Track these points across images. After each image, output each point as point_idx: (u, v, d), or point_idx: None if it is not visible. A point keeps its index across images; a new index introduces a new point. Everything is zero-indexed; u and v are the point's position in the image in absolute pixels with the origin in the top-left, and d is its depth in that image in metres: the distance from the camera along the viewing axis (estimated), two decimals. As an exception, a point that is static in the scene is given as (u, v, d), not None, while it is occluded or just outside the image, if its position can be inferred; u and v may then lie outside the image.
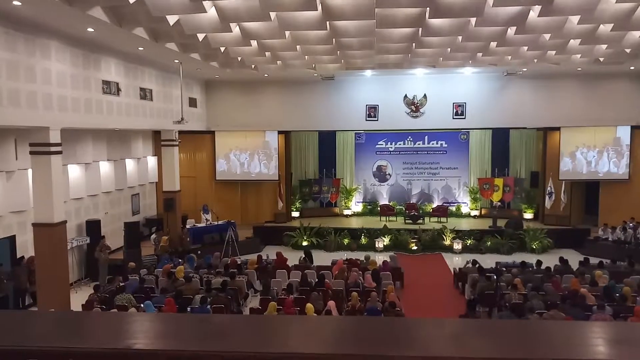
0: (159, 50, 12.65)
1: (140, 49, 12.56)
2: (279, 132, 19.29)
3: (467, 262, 13.44)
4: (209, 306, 9.63)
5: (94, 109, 12.07)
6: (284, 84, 18.88)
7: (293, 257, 14.34)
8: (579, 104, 18.09)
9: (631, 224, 16.68)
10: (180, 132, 16.97)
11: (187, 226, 16.90)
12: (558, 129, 18.45)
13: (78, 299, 11.21)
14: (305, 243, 17.16)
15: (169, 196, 16.65)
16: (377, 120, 18.89)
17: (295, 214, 20.20)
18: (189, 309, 9.78)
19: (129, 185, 17.11)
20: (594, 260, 13.03)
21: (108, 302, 9.90)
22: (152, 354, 1.38)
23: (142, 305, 9.60)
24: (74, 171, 14.10)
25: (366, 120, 18.88)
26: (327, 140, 21.28)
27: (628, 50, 13.20)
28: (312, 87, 18.77)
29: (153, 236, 15.82)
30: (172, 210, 16.55)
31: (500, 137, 20.85)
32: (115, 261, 14.08)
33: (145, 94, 14.65)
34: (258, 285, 12.51)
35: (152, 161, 18.78)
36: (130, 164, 17.21)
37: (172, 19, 9.73)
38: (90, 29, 10.44)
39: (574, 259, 13.72)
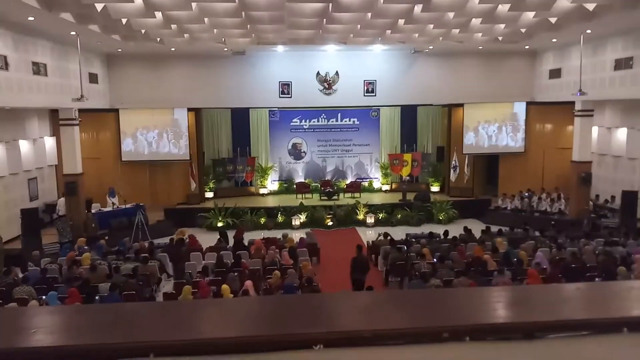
0: (52, 20, 11.56)
1: (30, 18, 11.46)
2: (189, 110, 18.92)
3: (379, 235, 13.79)
4: (118, 294, 9.24)
5: (-23, 85, 11.08)
6: (192, 59, 18.45)
7: (209, 239, 14.11)
8: (480, 81, 19.05)
9: (526, 194, 17.80)
10: (81, 111, 15.83)
11: (93, 211, 16.05)
12: (461, 105, 19.42)
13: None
14: (220, 224, 16.95)
15: (70, 179, 15.59)
16: (290, 97, 18.98)
17: (209, 194, 19.96)
18: (97, 298, 9.33)
19: (25, 169, 15.90)
20: (494, 229, 13.73)
21: (5, 295, 9.17)
22: (54, 351, 1.29)
23: (44, 297, 9.02)
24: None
25: (280, 97, 18.95)
26: (241, 118, 20.93)
27: (523, 30, 14.05)
28: (223, 62, 18.51)
29: (59, 224, 14.91)
30: (74, 194, 15.54)
31: (408, 114, 21.52)
32: (11, 251, 13.07)
33: (38, 69, 13.52)
34: (171, 269, 12.18)
35: (50, 142, 17.53)
36: (25, 146, 15.98)
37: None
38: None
39: (477, 228, 14.35)
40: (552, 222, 15.23)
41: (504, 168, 19.84)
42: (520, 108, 19.35)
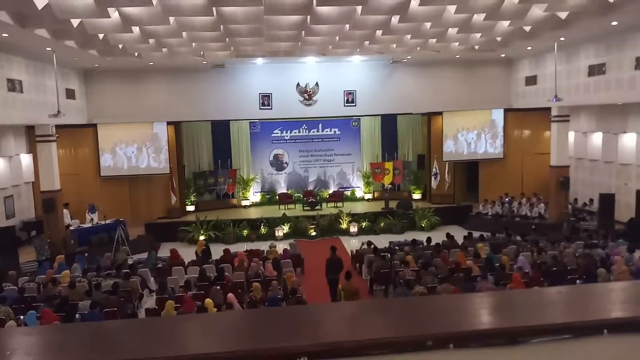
0: (27, 36, 11.32)
1: (4, 35, 11.24)
2: (168, 123, 18.73)
3: (363, 244, 13.81)
4: (99, 311, 9.03)
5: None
6: (171, 73, 18.33)
7: (191, 253, 14.05)
8: (458, 89, 19.24)
9: (506, 199, 17.98)
10: (58, 127, 15.64)
11: (72, 227, 15.82)
12: (440, 113, 19.53)
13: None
14: (202, 237, 16.64)
15: (48, 196, 15.30)
16: (271, 108, 18.95)
17: (191, 208, 19.72)
18: (77, 316, 9.13)
19: (1, 187, 15.49)
20: (476, 234, 13.79)
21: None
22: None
23: (22, 317, 8.75)
24: None
25: (260, 108, 18.89)
26: (221, 130, 20.89)
27: (499, 39, 14.19)
28: (202, 75, 18.39)
29: (36, 241, 14.60)
30: (52, 211, 15.23)
31: (388, 123, 21.60)
32: (-14, 271, 12.96)
33: (14, 86, 13.29)
34: (153, 285, 12.05)
35: (26, 159, 17.11)
36: (0, 163, 15.62)
37: (40, 2, 8.86)
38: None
39: (459, 234, 14.45)
40: (533, 227, 15.34)
41: (484, 174, 20.05)
42: (498, 115, 19.61)
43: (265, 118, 19.90)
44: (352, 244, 16.02)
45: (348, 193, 21.28)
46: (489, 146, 19.70)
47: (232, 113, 18.96)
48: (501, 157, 19.70)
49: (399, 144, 21.68)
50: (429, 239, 13.31)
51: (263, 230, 17.50)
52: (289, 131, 21.38)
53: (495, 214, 17.65)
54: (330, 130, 21.53)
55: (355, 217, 18.04)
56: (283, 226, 17.52)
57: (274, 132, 21.34)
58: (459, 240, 13.44)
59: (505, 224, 15.67)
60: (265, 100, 18.81)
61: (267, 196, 21.26)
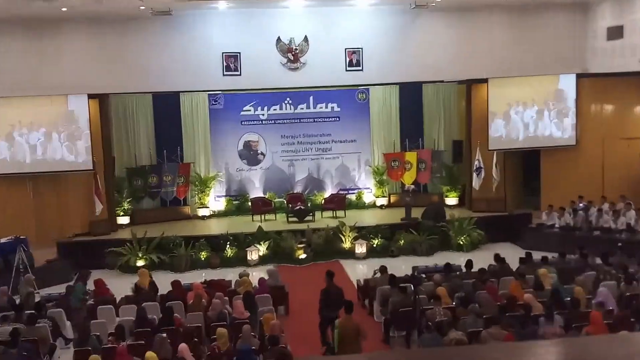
0: None
1: None
2: (90, 97, 18.41)
3: (375, 272, 13.64)
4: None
5: None
6: (94, 24, 18.11)
7: (124, 285, 14.00)
8: (510, 46, 19.12)
9: (581, 204, 17.65)
10: None
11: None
12: (485, 81, 19.14)
13: None
14: (141, 262, 16.68)
15: None
16: (239, 74, 18.89)
17: (124, 220, 19.62)
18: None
19: None
20: (537, 256, 13.61)
21: None
22: None
23: None
24: None
25: (224, 75, 18.82)
26: (167, 108, 20.65)
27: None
28: (140, 27, 18.39)
29: None
30: None
31: (410, 96, 21.24)
32: None
33: None
34: (70, 331, 11.89)
35: None
36: None
37: None
38: None
39: (512, 255, 14.53)
40: (619, 244, 14.88)
41: (548, 169, 19.68)
42: (567, 83, 19.15)
43: (232, 89, 19.70)
44: (358, 271, 15.96)
45: (352, 197, 21.16)
46: (555, 128, 19.41)
47: (183, 81, 18.73)
48: (573, 143, 19.37)
49: (425, 125, 21.41)
50: (469, 263, 13.23)
51: (229, 252, 17.37)
52: (266, 107, 21.07)
53: (564, 227, 17.34)
54: (326, 107, 21.28)
55: (362, 232, 17.86)
56: (258, 246, 17.38)
57: (245, 109, 21.01)
58: (513, 264, 13.41)
59: (579, 241, 15.49)
60: (232, 62, 18.65)
61: (234, 202, 21.08)
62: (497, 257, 13.54)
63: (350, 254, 17.41)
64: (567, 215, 17.59)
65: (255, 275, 14.74)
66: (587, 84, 19.36)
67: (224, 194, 21.33)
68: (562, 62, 19.23)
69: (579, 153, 19.53)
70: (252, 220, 19.45)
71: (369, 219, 19.48)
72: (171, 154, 20.64)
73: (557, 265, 13.09)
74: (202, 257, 17.26)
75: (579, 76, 19.25)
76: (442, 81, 20.08)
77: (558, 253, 14.01)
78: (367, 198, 21.36)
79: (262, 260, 17.08)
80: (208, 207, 20.73)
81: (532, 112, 19.47)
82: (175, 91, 19.80)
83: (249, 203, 20.60)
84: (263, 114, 21.25)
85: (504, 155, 19.83)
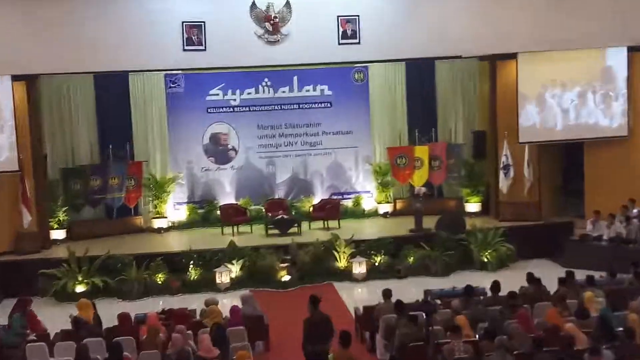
0: None
1: None
2: (15, 79, 18.05)
3: (381, 300, 13.25)
4: None
5: None
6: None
7: (59, 318, 13.72)
8: (545, 13, 18.62)
9: (635, 210, 17.55)
10: None
11: None
12: (514, 57, 18.97)
13: None
14: (81, 288, 16.49)
15: None
16: (204, 49, 18.31)
17: (59, 234, 19.23)
18: None
19: None
20: (581, 275, 13.71)
21: None
22: None
23: None
24: None
25: (185, 49, 18.25)
26: (114, 93, 20.35)
27: None
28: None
29: None
30: None
31: (420, 76, 21.32)
32: None
33: None
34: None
35: None
36: None
37: None
38: None
39: (550, 275, 14.39)
40: None
41: (594, 166, 19.29)
42: (617, 59, 18.75)
43: (195, 68, 19.42)
44: (356, 297, 16.01)
45: (348, 203, 21.16)
46: (602, 115, 19.03)
47: (132, 60, 18.37)
48: (624, 134, 18.97)
49: (438, 113, 21.38)
50: (495, 285, 12.95)
51: (193, 273, 17.18)
52: (238, 91, 20.96)
53: (614, 238, 17.15)
54: (315, 90, 21.21)
55: (361, 248, 17.73)
56: (230, 265, 17.21)
57: (211, 93, 20.93)
58: (551, 286, 13.14)
59: (633, 256, 15.22)
60: (194, 34, 18.29)
61: (199, 211, 20.88)
62: (531, 278, 13.29)
63: (346, 275, 17.37)
64: (617, 224, 17.54)
65: (226, 302, 14.57)
66: (640, 58, 18.17)
67: (186, 201, 21.16)
68: (610, 33, 18.67)
69: (632, 146, 19.12)
70: (222, 234, 19.40)
71: (369, 230, 19.50)
72: (118, 150, 20.26)
73: (606, 287, 12.85)
74: (158, 280, 17.04)
75: (632, 50, 18.70)
76: (460, 57, 19.59)
77: (607, 272, 14.01)
78: (367, 204, 21.35)
79: (235, 284, 16.98)
80: (166, 218, 20.61)
81: (572, 96, 19.15)
82: (123, 71, 19.44)
83: (218, 212, 20.43)
84: (234, 99, 21.20)
85: (538, 149, 19.60)
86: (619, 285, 13.29)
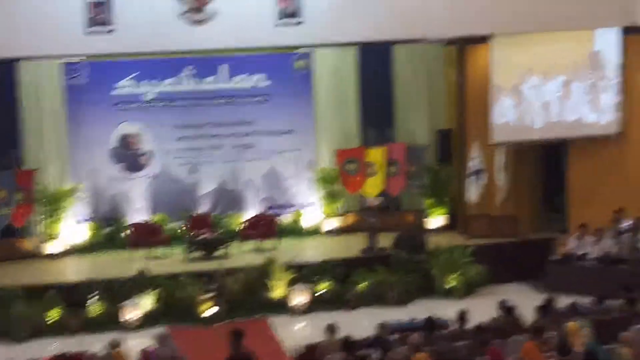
0: None
1: None
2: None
3: (326, 334, 12.67)
4: None
5: None
6: None
7: None
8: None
9: (626, 224, 17.25)
10: None
11: None
12: (486, 40, 18.47)
13: None
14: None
15: None
16: (111, 31, 17.37)
17: None
18: None
19: None
20: (564, 302, 13.64)
21: None
22: None
23: None
24: None
25: (87, 32, 17.27)
26: (-2, 85, 18.62)
27: None
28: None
29: None
30: None
31: (375, 64, 20.56)
32: None
33: None
34: None
35: None
36: None
37: None
38: None
39: (527, 302, 13.98)
40: None
41: (579, 172, 18.92)
42: (608, 42, 18.32)
43: (100, 54, 18.57)
44: (296, 332, 15.72)
45: (287, 219, 20.71)
46: (589, 108, 18.58)
47: (21, 44, 17.56)
48: (614, 131, 18.66)
49: (397, 108, 20.88)
50: (462, 316, 12.69)
51: (96, 309, 16.64)
52: (154, 81, 20.19)
53: (603, 257, 16.95)
54: (248, 80, 20.63)
55: (303, 273, 17.31)
56: (141, 298, 16.77)
57: (120, 85, 20.00)
58: (528, 316, 13.10)
59: (624, 278, 15.17)
60: (100, 13, 17.23)
61: (104, 231, 20.12)
62: (504, 306, 13.21)
63: (283, 307, 16.92)
64: (606, 239, 17.49)
65: (136, 344, 13.93)
66: (636, 43, 18.41)
67: (88, 218, 20.29)
68: (599, 12, 18.25)
69: (625, 146, 18.82)
70: (132, 259, 18.58)
71: (312, 251, 19.22)
72: (2, 156, 19.37)
73: (593, 316, 12.80)
74: (51, 317, 16.32)
75: (627, 32, 18.20)
76: (422, 40, 19.06)
77: (594, 297, 13.97)
78: (310, 220, 20.89)
79: (148, 321, 16.33)
80: (62, 240, 19.71)
81: (555, 86, 18.76)
82: (9, 58, 18.47)
83: (127, 231, 19.71)
84: (149, 92, 20.38)
85: (514, 151, 19.24)
86: (607, 313, 13.22)
